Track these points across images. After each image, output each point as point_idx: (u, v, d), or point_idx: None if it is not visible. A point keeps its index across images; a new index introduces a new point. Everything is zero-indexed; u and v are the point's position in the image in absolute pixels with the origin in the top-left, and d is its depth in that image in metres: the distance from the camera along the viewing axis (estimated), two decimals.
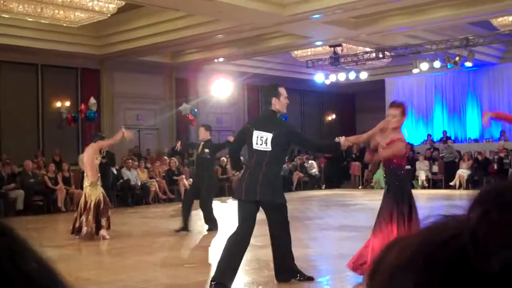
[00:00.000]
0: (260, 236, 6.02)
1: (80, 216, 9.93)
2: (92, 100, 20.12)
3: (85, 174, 10.28)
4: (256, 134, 5.94)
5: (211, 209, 10.88)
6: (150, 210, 16.86)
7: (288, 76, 26.07)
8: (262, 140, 5.87)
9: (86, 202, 9.97)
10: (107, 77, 21.78)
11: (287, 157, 24.25)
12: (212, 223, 10.85)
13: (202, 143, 11.15)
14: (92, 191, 9.94)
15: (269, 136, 5.83)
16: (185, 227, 10.68)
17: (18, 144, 18.77)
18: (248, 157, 6.14)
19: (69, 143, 20.39)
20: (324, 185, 23.97)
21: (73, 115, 20.03)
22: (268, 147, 5.83)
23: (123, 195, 17.79)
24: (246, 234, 5.91)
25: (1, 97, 19.16)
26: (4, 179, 15.72)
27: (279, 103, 6.01)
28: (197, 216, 11.62)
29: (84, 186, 10.21)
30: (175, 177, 19.14)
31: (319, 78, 25.30)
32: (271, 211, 5.98)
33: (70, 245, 9.42)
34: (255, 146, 5.93)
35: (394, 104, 6.20)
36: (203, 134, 11.03)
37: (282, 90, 6.07)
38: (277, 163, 5.94)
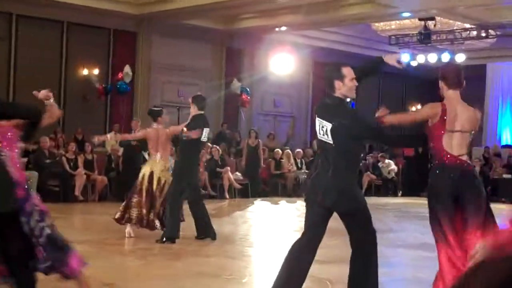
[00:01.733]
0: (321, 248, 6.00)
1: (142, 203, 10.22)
2: (127, 69, 20.39)
3: (156, 156, 10.61)
4: (318, 121, 5.93)
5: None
6: (184, 207, 17.02)
7: (365, 53, 25.81)
8: (323, 130, 5.86)
9: (151, 188, 10.30)
10: (145, 42, 22.06)
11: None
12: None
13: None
14: (167, 177, 10.44)
15: (328, 126, 5.80)
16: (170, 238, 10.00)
17: None
18: (317, 148, 6.17)
19: (95, 119, 20.78)
20: (401, 192, 23.72)
21: (105, 86, 20.31)
22: (330, 140, 5.80)
23: None
24: (310, 245, 5.91)
25: (17, 59, 19.66)
26: None
27: (344, 87, 5.95)
28: (227, 220, 11.66)
29: (151, 169, 10.49)
30: (218, 169, 19.27)
31: (404, 58, 24.97)
32: (344, 218, 5.97)
33: (88, 242, 9.61)
34: (319, 136, 5.93)
35: None
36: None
37: (346, 71, 5.98)
38: (346, 161, 5.88)
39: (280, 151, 21.40)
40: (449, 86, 6.10)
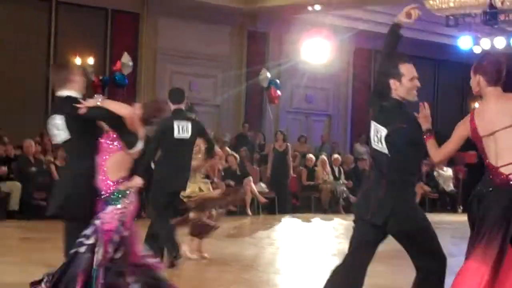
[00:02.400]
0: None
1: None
2: (125, 58, 20.40)
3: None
4: (373, 125, 5.97)
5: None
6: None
7: (418, 37, 25.71)
8: (377, 137, 5.89)
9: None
10: (150, 25, 22.18)
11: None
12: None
13: None
14: (207, 188, 11.35)
15: (383, 132, 5.84)
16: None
17: (16, 116, 19.37)
18: (371, 157, 6.23)
19: None
20: (461, 207, 23.60)
21: (101, 78, 20.36)
22: (385, 148, 5.83)
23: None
24: (354, 271, 5.97)
25: None
26: None
27: (402, 87, 5.98)
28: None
29: (195, 180, 11.14)
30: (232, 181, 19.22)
31: (465, 43, 24.87)
32: (401, 239, 6.01)
33: None
34: (373, 144, 5.96)
35: None
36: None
37: (405, 68, 6.01)
38: (403, 172, 5.90)
39: (313, 157, 21.38)
40: (489, 83, 6.01)
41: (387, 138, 5.81)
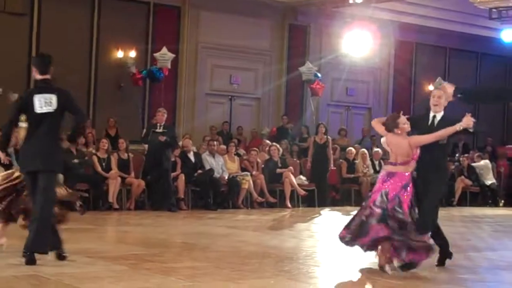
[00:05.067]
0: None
1: None
2: (164, 51, 20.39)
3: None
4: None
5: None
6: (239, 216, 17.13)
7: (459, 30, 25.62)
8: None
9: None
10: (191, 19, 22.26)
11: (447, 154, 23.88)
12: None
13: None
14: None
15: None
16: None
17: None
18: None
19: (130, 111, 21.01)
20: (502, 201, 23.41)
21: (142, 71, 20.50)
22: None
23: (202, 192, 18.15)
24: None
25: (39, 40, 20.00)
26: None
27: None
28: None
29: None
30: (278, 170, 19.31)
31: (508, 36, 24.65)
32: None
33: (122, 258, 9.75)
34: None
35: None
36: None
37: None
38: None
39: (353, 150, 21.31)
40: None
41: None
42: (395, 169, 9.33)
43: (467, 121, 9.10)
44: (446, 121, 9.50)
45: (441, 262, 9.81)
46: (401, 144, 9.33)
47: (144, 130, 18.63)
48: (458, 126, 9.17)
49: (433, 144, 9.35)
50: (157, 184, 17.06)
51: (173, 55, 20.45)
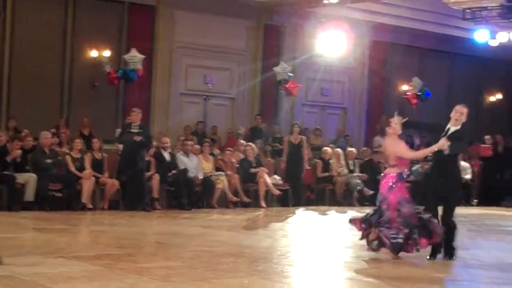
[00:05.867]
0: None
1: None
2: (133, 53, 20.04)
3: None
4: None
5: None
6: (213, 216, 17.12)
7: (433, 30, 25.73)
8: None
9: None
10: (165, 18, 22.23)
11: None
12: None
13: None
14: None
15: None
16: None
17: (32, 107, 19.48)
18: None
19: (104, 110, 20.95)
20: (476, 200, 23.54)
21: (118, 70, 20.29)
22: None
23: (176, 192, 18.12)
24: None
25: (13, 39, 19.90)
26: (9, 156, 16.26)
27: None
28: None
29: None
30: (252, 170, 19.31)
31: (481, 36, 24.80)
32: None
33: (96, 258, 9.73)
34: None
35: None
36: None
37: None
38: None
39: (329, 150, 21.33)
40: None
41: None
42: (387, 171, 10.51)
43: (442, 144, 10.17)
44: (454, 136, 10.39)
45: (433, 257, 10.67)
46: (388, 148, 10.47)
47: (119, 130, 18.58)
48: (434, 147, 10.31)
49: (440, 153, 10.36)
50: (132, 184, 17.01)
51: (143, 56, 20.06)
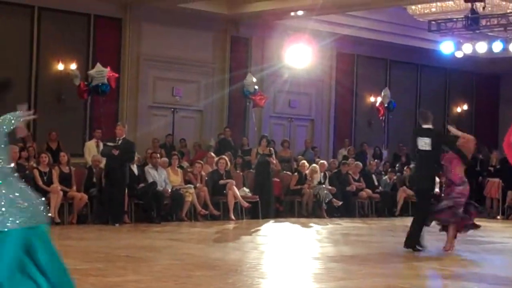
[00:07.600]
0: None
1: None
2: (98, 68, 19.72)
3: None
4: None
5: None
6: (182, 229, 17.11)
7: (399, 42, 25.92)
8: None
9: None
10: (132, 31, 22.19)
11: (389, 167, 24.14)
12: None
13: None
14: None
15: None
16: None
17: None
18: None
19: (72, 124, 20.86)
20: None
21: (87, 83, 19.94)
22: None
23: (145, 205, 18.11)
24: None
25: None
26: None
27: None
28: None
29: None
30: (221, 182, 19.32)
31: (447, 48, 25.02)
32: None
33: None
34: None
35: None
36: None
37: None
38: None
39: (306, 164, 21.36)
40: None
41: None
42: None
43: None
44: None
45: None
46: None
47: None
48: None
49: None
50: (110, 198, 17.08)
51: (108, 69, 19.81)
